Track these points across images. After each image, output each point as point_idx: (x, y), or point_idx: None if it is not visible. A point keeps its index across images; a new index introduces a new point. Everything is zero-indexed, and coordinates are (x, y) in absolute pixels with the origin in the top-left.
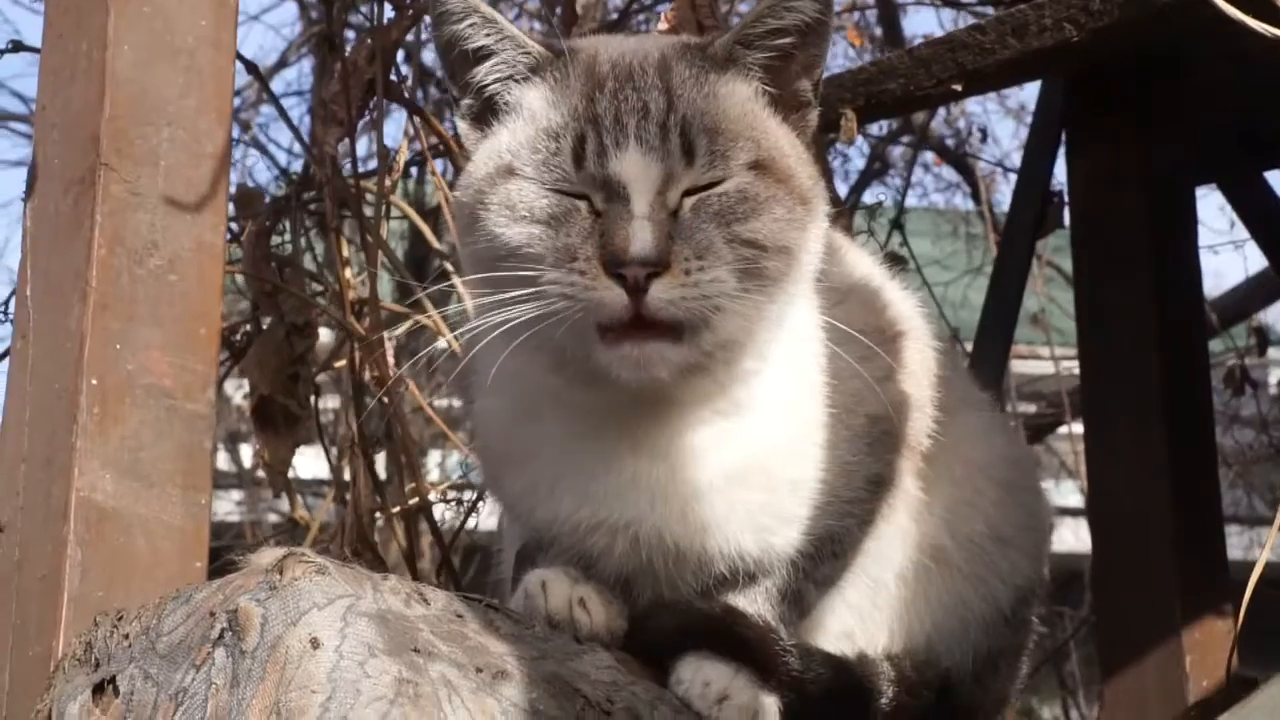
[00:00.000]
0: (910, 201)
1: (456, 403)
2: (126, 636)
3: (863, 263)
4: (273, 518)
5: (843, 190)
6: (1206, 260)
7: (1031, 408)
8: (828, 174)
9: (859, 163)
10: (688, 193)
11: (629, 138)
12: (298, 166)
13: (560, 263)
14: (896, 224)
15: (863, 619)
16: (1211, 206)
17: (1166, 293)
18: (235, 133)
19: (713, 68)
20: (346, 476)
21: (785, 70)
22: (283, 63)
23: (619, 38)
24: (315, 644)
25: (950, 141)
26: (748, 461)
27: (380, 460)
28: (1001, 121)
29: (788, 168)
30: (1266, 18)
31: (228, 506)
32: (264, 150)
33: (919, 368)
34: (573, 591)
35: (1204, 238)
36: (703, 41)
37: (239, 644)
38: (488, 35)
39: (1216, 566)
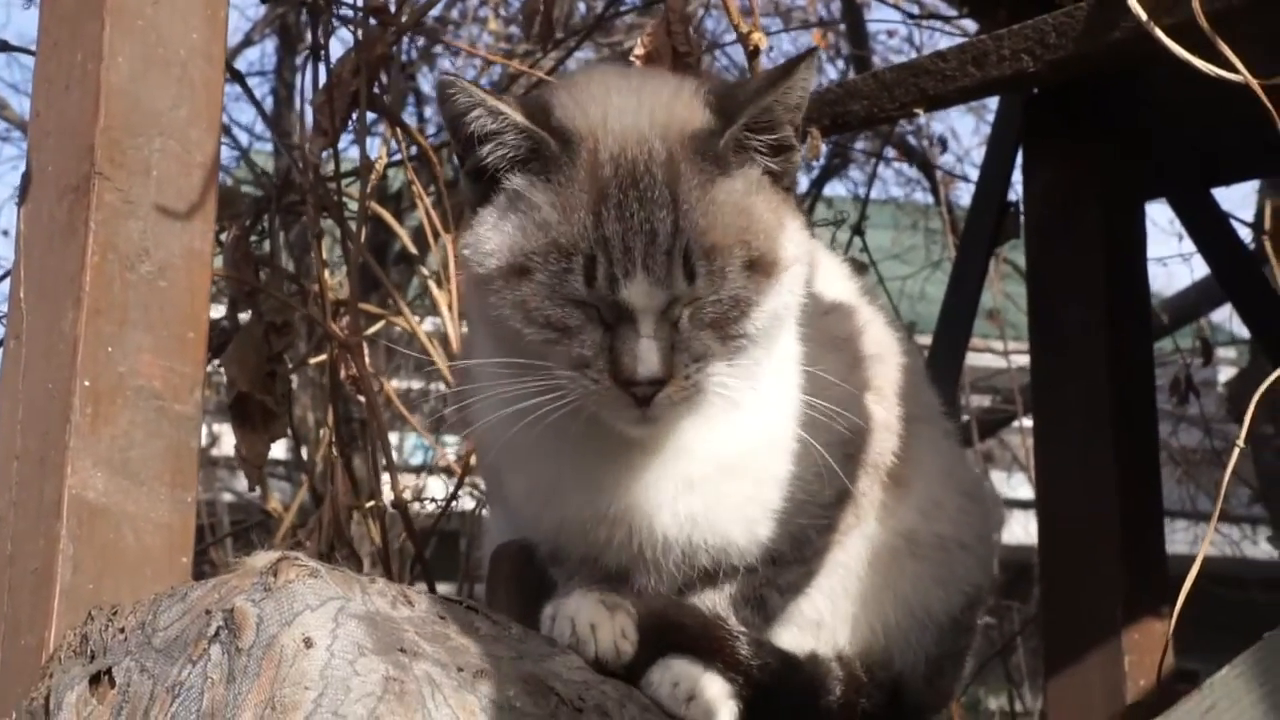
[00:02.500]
0: (871, 194)
1: (417, 385)
2: (122, 630)
3: (840, 279)
4: (227, 497)
5: (804, 185)
6: (1156, 268)
7: (986, 401)
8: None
9: (820, 160)
10: (686, 304)
11: (636, 267)
12: (260, 147)
13: (575, 367)
14: (857, 230)
15: (834, 607)
16: (1162, 216)
17: (1117, 303)
18: None
19: (719, 169)
20: (319, 469)
21: (783, 142)
22: (247, 42)
23: (616, 97)
24: (308, 643)
25: (911, 138)
26: (739, 456)
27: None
28: (962, 118)
29: (774, 254)
30: (1214, 60)
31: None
32: (228, 134)
33: (889, 389)
34: (614, 625)
35: (1154, 246)
36: (711, 130)
37: (235, 641)
38: (493, 124)
39: (1157, 568)
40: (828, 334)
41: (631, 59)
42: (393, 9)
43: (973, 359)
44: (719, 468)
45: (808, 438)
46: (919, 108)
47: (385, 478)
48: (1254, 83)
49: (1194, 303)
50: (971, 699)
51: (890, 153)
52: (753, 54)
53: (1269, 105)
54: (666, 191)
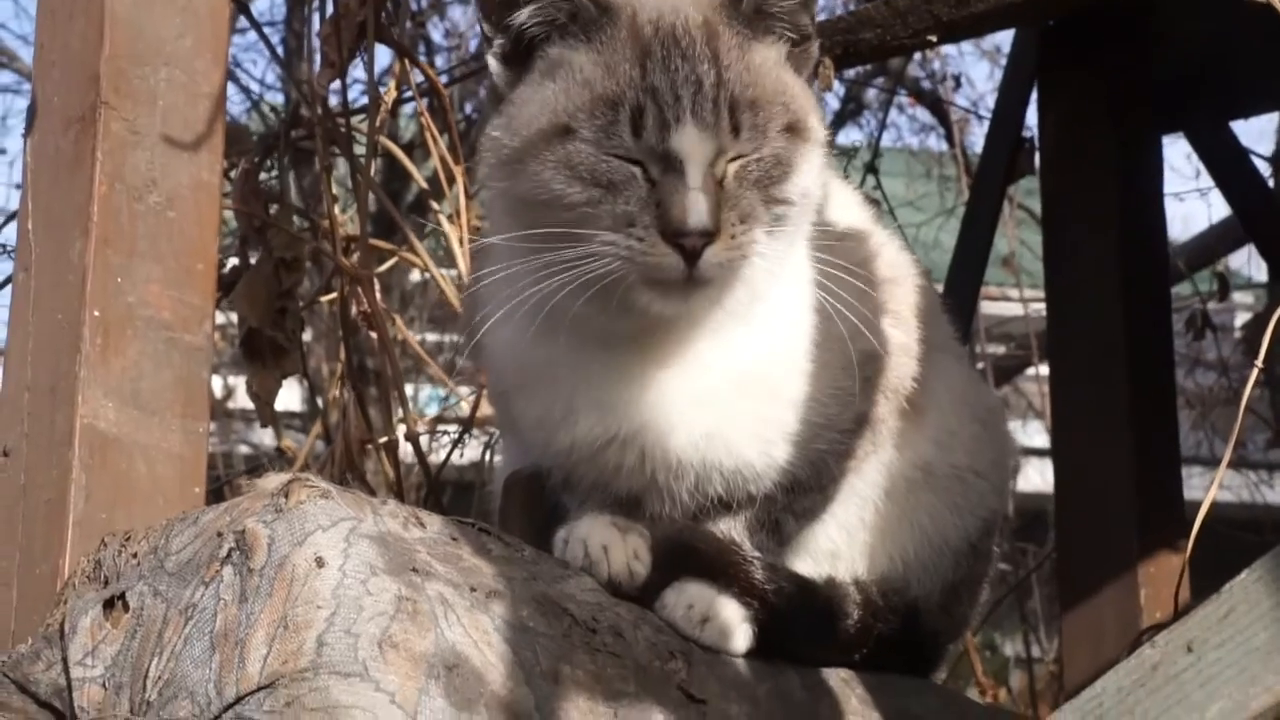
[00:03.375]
0: (885, 142)
1: (430, 337)
2: (135, 556)
3: (853, 206)
4: (243, 449)
5: None
6: (1174, 207)
7: (1001, 349)
8: None
9: (834, 104)
10: (731, 159)
11: (685, 113)
12: (273, 99)
13: (618, 226)
14: (871, 168)
15: (850, 538)
16: (1179, 154)
17: (1132, 239)
18: None
19: (752, 33)
20: (331, 410)
21: (801, 13)
22: None
23: None
24: (320, 563)
25: (925, 84)
26: (752, 371)
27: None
28: (977, 64)
29: (809, 124)
30: None
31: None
32: (237, 83)
33: (908, 313)
34: (626, 547)
35: (1171, 184)
36: None
37: (247, 562)
38: None
39: (1173, 504)
40: (844, 259)
41: None
42: None
43: (988, 306)
44: (731, 383)
45: (828, 360)
46: (933, 35)
47: (399, 413)
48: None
49: (1210, 247)
50: (987, 640)
51: (905, 98)
52: None
53: None
54: (707, 49)
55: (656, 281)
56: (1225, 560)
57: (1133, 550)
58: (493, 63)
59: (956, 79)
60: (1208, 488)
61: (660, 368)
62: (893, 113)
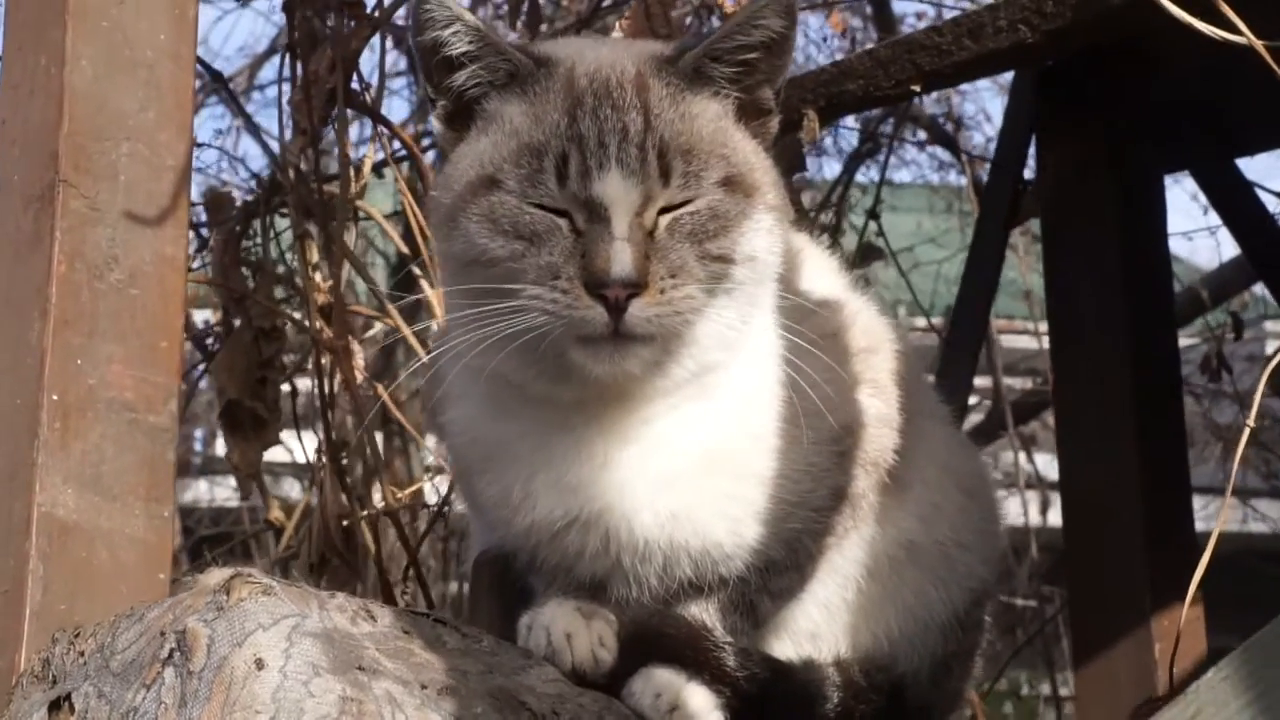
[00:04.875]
0: (904, 177)
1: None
2: (82, 654)
3: (828, 274)
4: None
5: (835, 169)
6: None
7: (1025, 383)
8: (790, 179)
9: (848, 144)
10: (663, 211)
11: (610, 160)
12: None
13: (542, 279)
14: (873, 214)
15: (831, 618)
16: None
17: (1136, 280)
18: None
19: (686, 85)
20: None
21: (750, 81)
22: (273, 49)
23: (592, 43)
24: (260, 664)
25: (942, 119)
26: (717, 449)
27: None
28: (994, 99)
29: (754, 180)
30: (1213, 20)
31: (225, 492)
32: (234, 158)
33: (887, 381)
34: (591, 634)
35: (1179, 223)
36: (672, 53)
37: (187, 664)
38: (469, 43)
39: (1186, 552)
40: (815, 331)
41: (624, 37)
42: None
43: (1010, 340)
44: (696, 462)
45: (798, 435)
46: (915, 85)
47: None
48: (1258, 45)
49: (1233, 277)
50: (1013, 685)
51: (920, 135)
52: None
53: (1275, 66)
54: (638, 99)
55: (585, 338)
56: (1252, 593)
57: (1146, 601)
58: (436, 124)
59: (958, 122)
60: (1242, 521)
61: (621, 446)
62: (911, 149)
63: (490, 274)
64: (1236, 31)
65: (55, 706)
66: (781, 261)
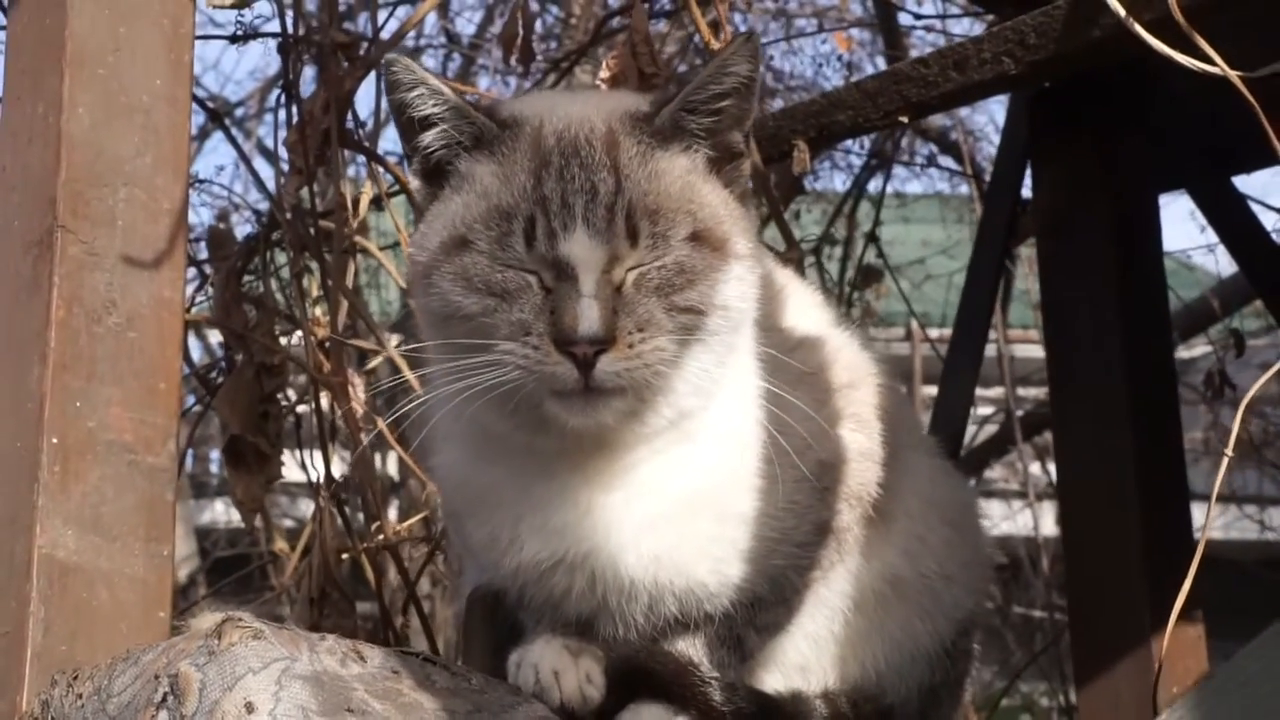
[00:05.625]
0: (916, 188)
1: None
2: (80, 696)
3: (810, 310)
4: (288, 523)
5: (843, 183)
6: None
7: (1038, 393)
8: (777, 211)
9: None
10: (631, 268)
11: (576, 220)
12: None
13: (514, 335)
14: (871, 236)
15: (819, 651)
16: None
17: (1130, 299)
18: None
19: (657, 142)
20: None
21: (722, 127)
22: (280, 76)
23: (564, 99)
24: (250, 708)
25: (950, 131)
26: (698, 491)
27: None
28: (1003, 111)
29: (722, 233)
30: (1190, 52)
31: (236, 515)
32: (233, 194)
33: (869, 415)
34: (578, 671)
35: (1179, 239)
36: (648, 111)
37: (180, 708)
38: (434, 105)
39: (1185, 566)
40: (795, 369)
41: (598, 82)
42: (363, 44)
43: (1024, 350)
44: (679, 504)
45: (779, 474)
46: (903, 115)
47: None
48: (1232, 75)
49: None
50: (1026, 701)
51: (930, 148)
52: None
53: (1249, 98)
54: (607, 157)
55: (557, 392)
56: (1255, 602)
57: (1146, 621)
58: (412, 180)
59: (956, 146)
60: (1260, 531)
61: (604, 492)
62: (922, 158)
63: (466, 329)
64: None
65: None
66: (757, 305)
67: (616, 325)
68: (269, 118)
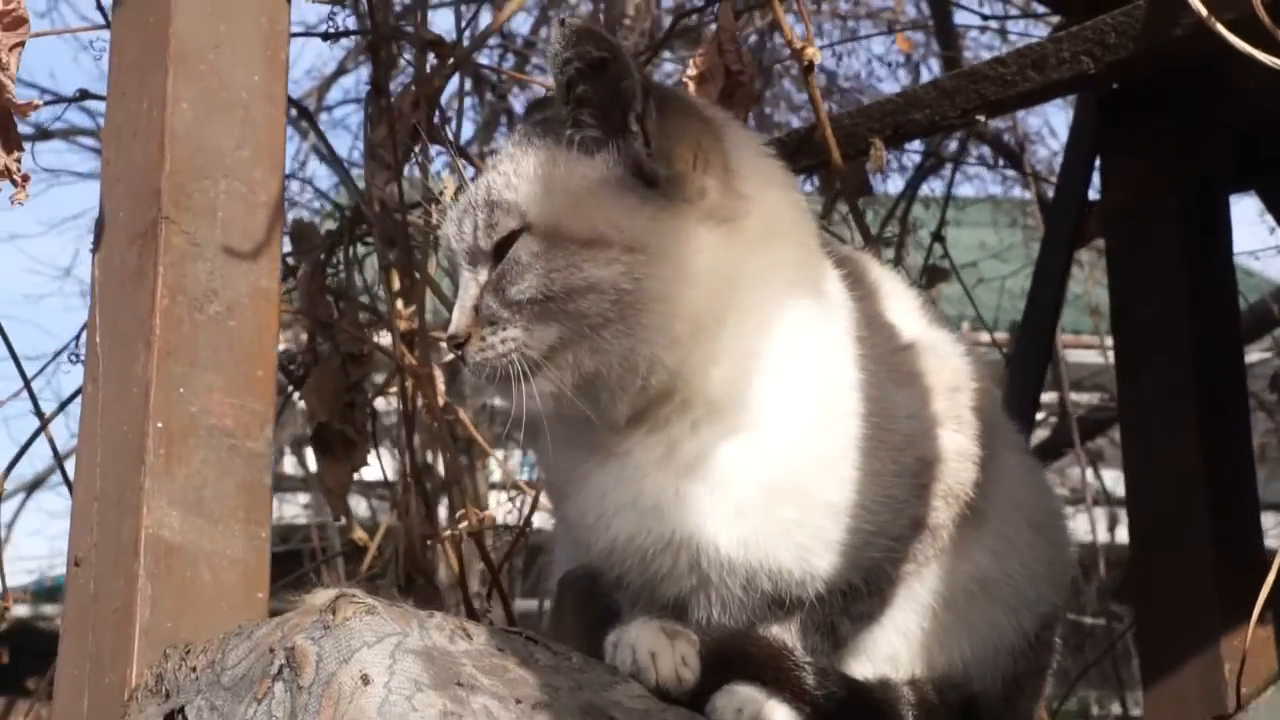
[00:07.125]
0: (968, 192)
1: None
2: (194, 669)
3: (912, 312)
4: (341, 520)
5: (898, 185)
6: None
7: (1093, 398)
8: (858, 214)
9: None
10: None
11: (463, 261)
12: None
13: None
14: (937, 236)
15: (909, 643)
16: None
17: (1199, 299)
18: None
19: (548, 141)
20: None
21: (601, 109)
22: (341, 70)
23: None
24: (366, 680)
25: (1005, 135)
26: (780, 477)
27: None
28: (1058, 113)
29: (555, 224)
30: (1271, 50)
31: (294, 510)
32: (319, 191)
33: (970, 417)
34: (674, 653)
35: (1248, 241)
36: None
37: (296, 679)
38: None
39: (1255, 570)
40: (901, 370)
41: (684, 80)
42: (452, 39)
43: (1077, 355)
44: (761, 491)
45: (875, 467)
46: (980, 114)
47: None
48: None
49: None
50: (1083, 707)
51: (985, 151)
52: (807, 69)
53: None
54: (498, 159)
55: None
56: None
57: (1215, 622)
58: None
59: (1020, 144)
60: None
61: (691, 480)
62: (974, 163)
63: None
64: None
65: (169, 719)
66: (704, 280)
67: (470, 325)
68: (324, 116)
